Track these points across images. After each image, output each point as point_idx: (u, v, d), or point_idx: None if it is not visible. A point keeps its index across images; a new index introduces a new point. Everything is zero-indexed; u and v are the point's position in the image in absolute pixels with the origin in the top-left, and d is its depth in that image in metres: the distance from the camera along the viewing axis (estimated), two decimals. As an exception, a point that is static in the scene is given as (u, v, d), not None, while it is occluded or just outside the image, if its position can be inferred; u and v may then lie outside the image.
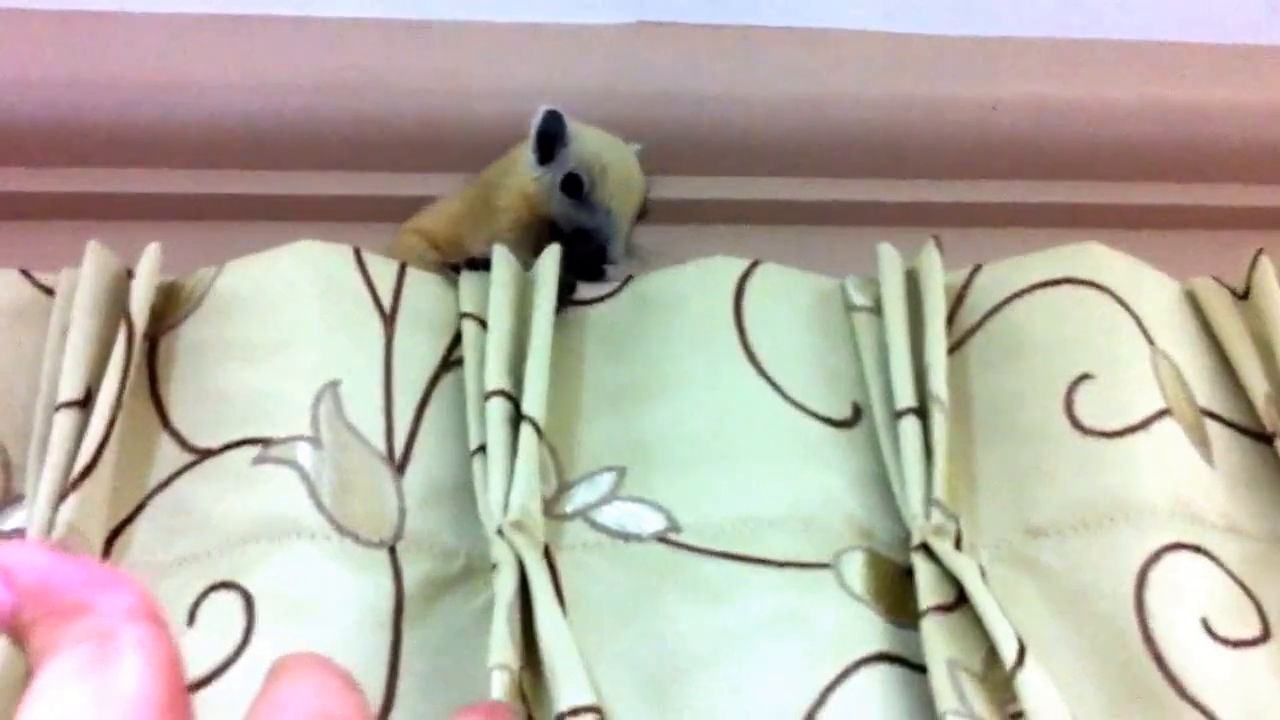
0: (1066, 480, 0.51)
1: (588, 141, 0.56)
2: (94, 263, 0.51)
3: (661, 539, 0.50)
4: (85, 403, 0.48)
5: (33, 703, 0.28)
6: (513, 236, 0.56)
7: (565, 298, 0.55)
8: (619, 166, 0.56)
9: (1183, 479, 0.51)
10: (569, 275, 0.55)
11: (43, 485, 0.46)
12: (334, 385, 0.51)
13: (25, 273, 0.53)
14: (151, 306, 0.51)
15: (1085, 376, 0.52)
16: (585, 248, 0.55)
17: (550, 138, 0.56)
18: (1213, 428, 0.53)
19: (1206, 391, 0.54)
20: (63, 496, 0.46)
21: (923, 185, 0.64)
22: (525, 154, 0.57)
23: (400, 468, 0.50)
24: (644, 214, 0.57)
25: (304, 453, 0.49)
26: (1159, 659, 0.46)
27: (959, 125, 0.63)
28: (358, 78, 0.60)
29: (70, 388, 0.48)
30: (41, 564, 0.30)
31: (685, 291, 0.55)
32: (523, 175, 0.57)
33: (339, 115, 0.60)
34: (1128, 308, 0.54)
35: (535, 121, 0.56)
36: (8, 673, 0.43)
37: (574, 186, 0.55)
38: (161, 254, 0.52)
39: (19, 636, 0.30)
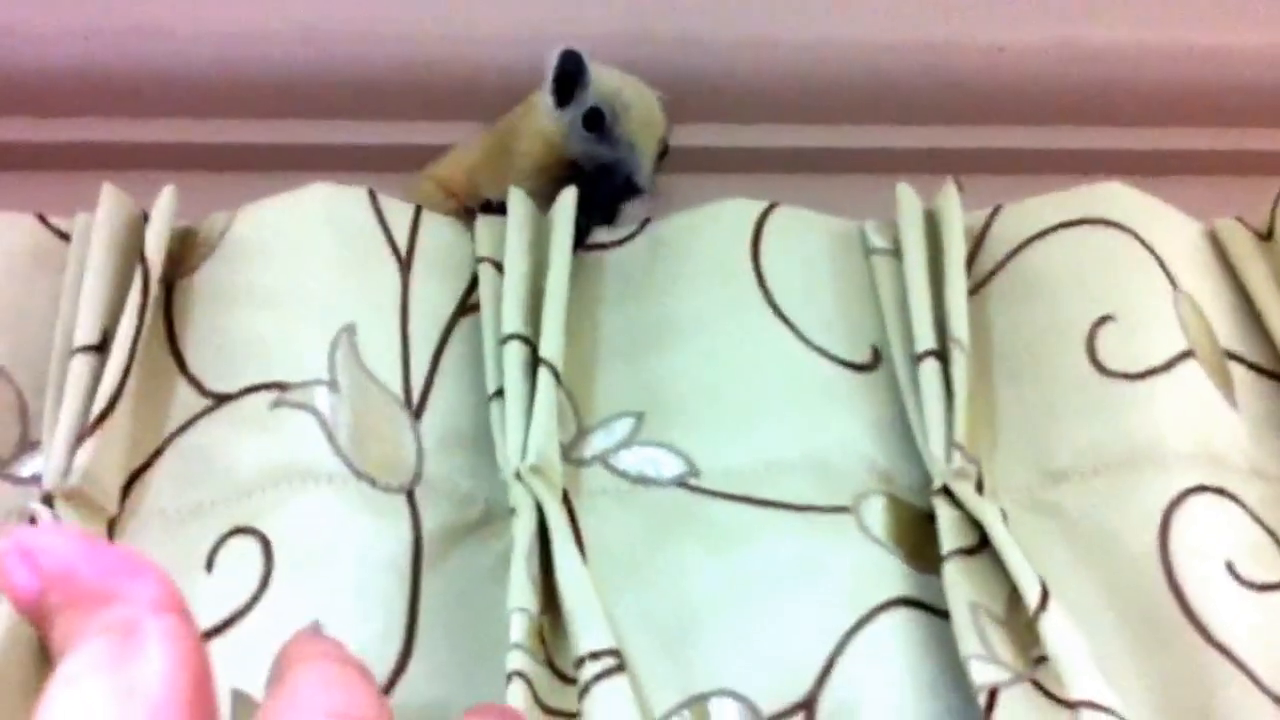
0: (1088, 423, 0.50)
1: (607, 80, 0.55)
2: (109, 206, 0.51)
3: (680, 483, 0.50)
4: (101, 347, 0.48)
5: (55, 693, 0.27)
6: (531, 183, 0.55)
7: (579, 241, 0.54)
8: (640, 103, 0.55)
9: (1205, 421, 0.50)
10: (591, 216, 0.54)
11: (59, 430, 0.46)
12: (350, 329, 0.50)
13: (41, 217, 0.53)
14: (168, 251, 0.51)
15: (1107, 318, 0.52)
16: (611, 182, 0.54)
17: (569, 79, 0.55)
18: (1236, 369, 0.53)
19: (1229, 333, 0.54)
20: (79, 441, 0.46)
21: (943, 131, 0.63)
22: (543, 98, 0.56)
23: (417, 412, 0.50)
24: (663, 155, 0.56)
25: (321, 397, 0.49)
26: (1183, 603, 0.46)
27: (970, 69, 0.62)
28: (373, 24, 0.60)
29: (86, 332, 0.48)
30: (67, 550, 0.30)
31: (702, 234, 0.55)
32: (541, 119, 0.56)
33: (354, 62, 0.60)
34: (1150, 248, 0.53)
35: (552, 63, 0.55)
36: (10, 651, 0.42)
37: (596, 121, 0.54)
38: (176, 198, 0.52)
39: (41, 622, 0.30)
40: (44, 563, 0.29)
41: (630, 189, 0.54)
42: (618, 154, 0.54)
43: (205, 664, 0.29)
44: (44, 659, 0.40)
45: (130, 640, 0.28)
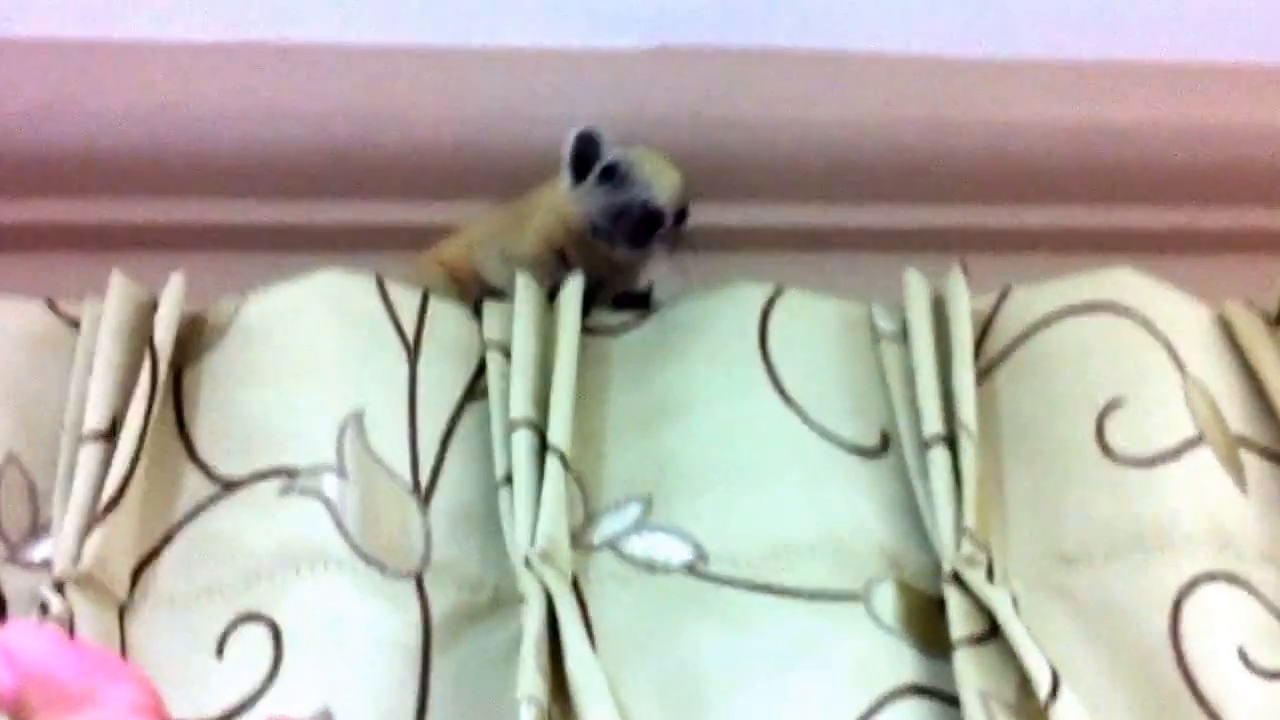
0: (1098, 508, 0.50)
1: (626, 148, 0.56)
2: (118, 293, 0.51)
3: (689, 569, 0.50)
4: (111, 434, 0.48)
5: None
6: (537, 257, 0.55)
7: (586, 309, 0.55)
8: (653, 155, 0.56)
9: (1216, 507, 0.50)
10: (622, 248, 0.55)
11: (69, 518, 0.46)
12: (358, 415, 0.51)
13: (50, 303, 0.53)
14: (176, 337, 0.51)
15: (1116, 403, 0.52)
16: (631, 217, 0.54)
17: (585, 159, 0.56)
18: (1246, 455, 0.53)
19: (1239, 418, 0.54)
20: (89, 529, 0.46)
21: (951, 209, 0.64)
22: (561, 180, 0.56)
23: (426, 498, 0.50)
24: (683, 216, 0.56)
25: (329, 483, 0.49)
26: (1195, 689, 0.46)
27: (979, 148, 0.63)
28: (379, 105, 0.60)
29: (96, 419, 0.48)
30: (46, 650, 0.30)
31: (710, 317, 0.55)
32: (558, 197, 0.56)
33: (360, 143, 0.60)
34: (1158, 333, 0.53)
35: (569, 144, 0.56)
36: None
37: (610, 172, 0.55)
38: (185, 284, 0.52)
39: (18, 716, 0.30)
40: (23, 662, 0.29)
41: (651, 217, 0.54)
42: (634, 191, 0.54)
43: None
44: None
45: None
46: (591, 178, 0.55)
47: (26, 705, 0.29)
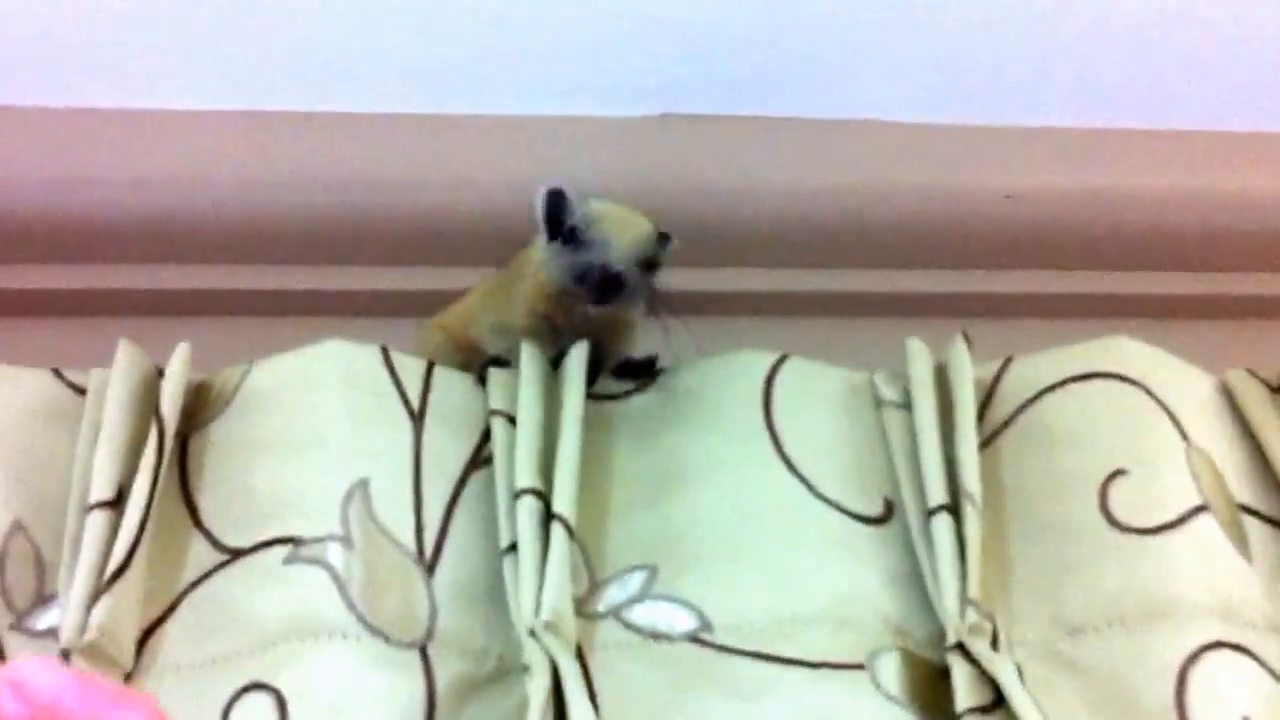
0: (1103, 578, 0.50)
1: (592, 205, 0.55)
2: (124, 362, 0.52)
3: (693, 639, 0.50)
4: (117, 502, 0.48)
5: None
6: (528, 328, 0.55)
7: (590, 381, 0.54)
8: (617, 213, 0.55)
9: (1221, 576, 0.50)
10: (593, 307, 0.54)
11: (75, 587, 0.47)
12: (364, 483, 0.51)
13: (57, 372, 0.54)
14: (182, 406, 0.51)
15: (1120, 472, 0.52)
16: (593, 278, 0.52)
17: (556, 216, 0.55)
18: (1250, 524, 0.53)
19: (1243, 486, 0.54)
20: (95, 598, 0.46)
21: (953, 275, 0.64)
22: (538, 241, 0.56)
23: (430, 567, 0.50)
24: (654, 263, 0.55)
25: (334, 552, 0.49)
26: (1201, 760, 0.46)
27: (980, 215, 0.63)
28: (386, 172, 0.61)
29: (102, 487, 0.48)
30: (56, 682, 0.31)
31: (714, 386, 0.55)
32: (535, 260, 0.56)
33: (367, 210, 0.61)
34: (1161, 402, 0.54)
35: (539, 202, 0.55)
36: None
37: (571, 235, 0.54)
38: (191, 352, 0.52)
39: None
40: (35, 695, 0.30)
41: (610, 279, 0.52)
42: (592, 252, 0.53)
43: None
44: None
45: None
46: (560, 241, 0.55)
47: None
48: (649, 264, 0.54)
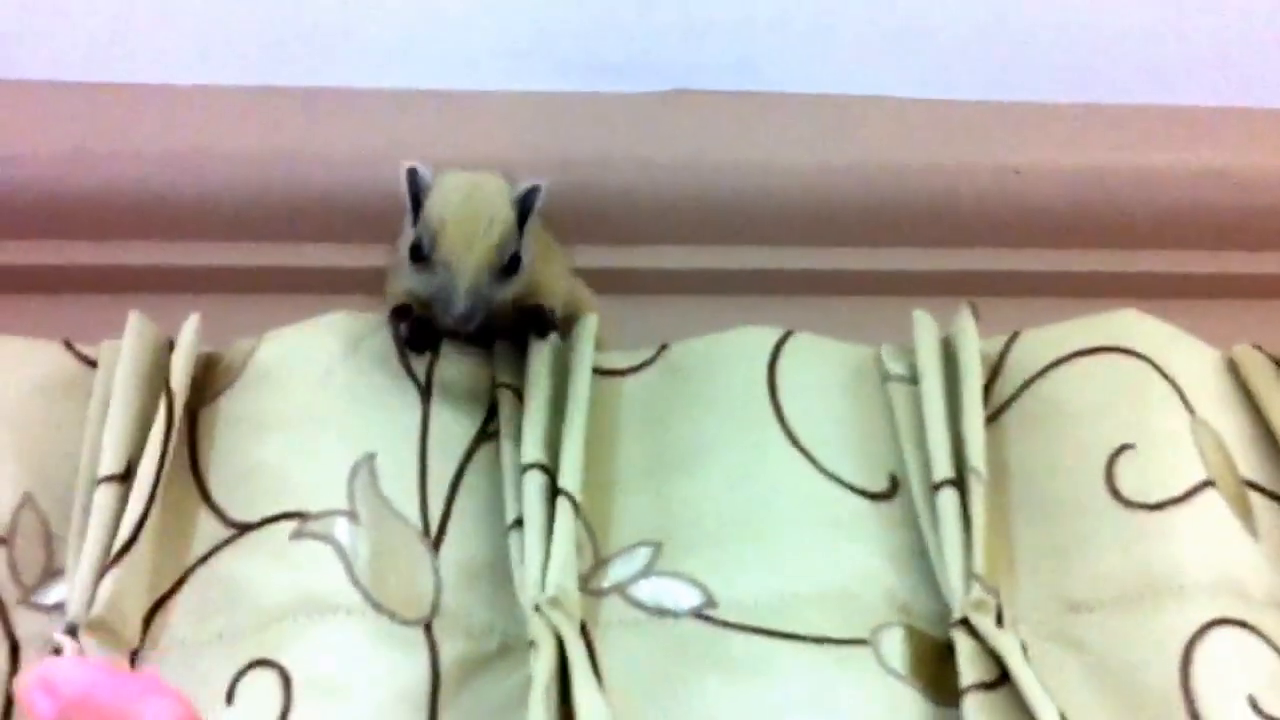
0: (1108, 554, 0.50)
1: (439, 193, 0.52)
2: (135, 334, 0.52)
3: (698, 615, 0.50)
4: (126, 476, 0.48)
5: None
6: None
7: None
8: (462, 213, 0.51)
9: (1226, 552, 0.50)
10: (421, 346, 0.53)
11: (83, 561, 0.47)
12: (370, 458, 0.51)
13: (67, 344, 0.54)
14: (192, 378, 0.51)
15: (1125, 447, 0.52)
16: (441, 308, 0.50)
17: (417, 196, 0.52)
18: (1256, 499, 0.53)
19: (1248, 462, 0.54)
20: (102, 573, 0.46)
21: (958, 254, 0.64)
22: (404, 226, 0.53)
23: (436, 543, 0.50)
24: (513, 268, 0.51)
25: (341, 528, 0.49)
26: (1206, 737, 0.46)
27: (988, 192, 0.63)
28: (396, 149, 0.60)
29: (111, 462, 0.48)
30: (84, 677, 0.31)
31: (718, 362, 0.55)
32: (394, 257, 0.54)
33: (374, 187, 0.61)
34: (1167, 376, 0.53)
35: (401, 181, 0.52)
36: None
37: (416, 253, 0.51)
38: (201, 325, 0.52)
39: None
40: (65, 691, 0.31)
41: (456, 320, 0.50)
42: (437, 282, 0.50)
43: None
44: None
45: None
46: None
47: None
48: (508, 264, 0.51)
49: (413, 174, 0.52)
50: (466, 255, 0.50)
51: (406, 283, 0.53)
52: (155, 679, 0.33)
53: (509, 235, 0.51)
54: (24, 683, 0.31)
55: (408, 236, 0.52)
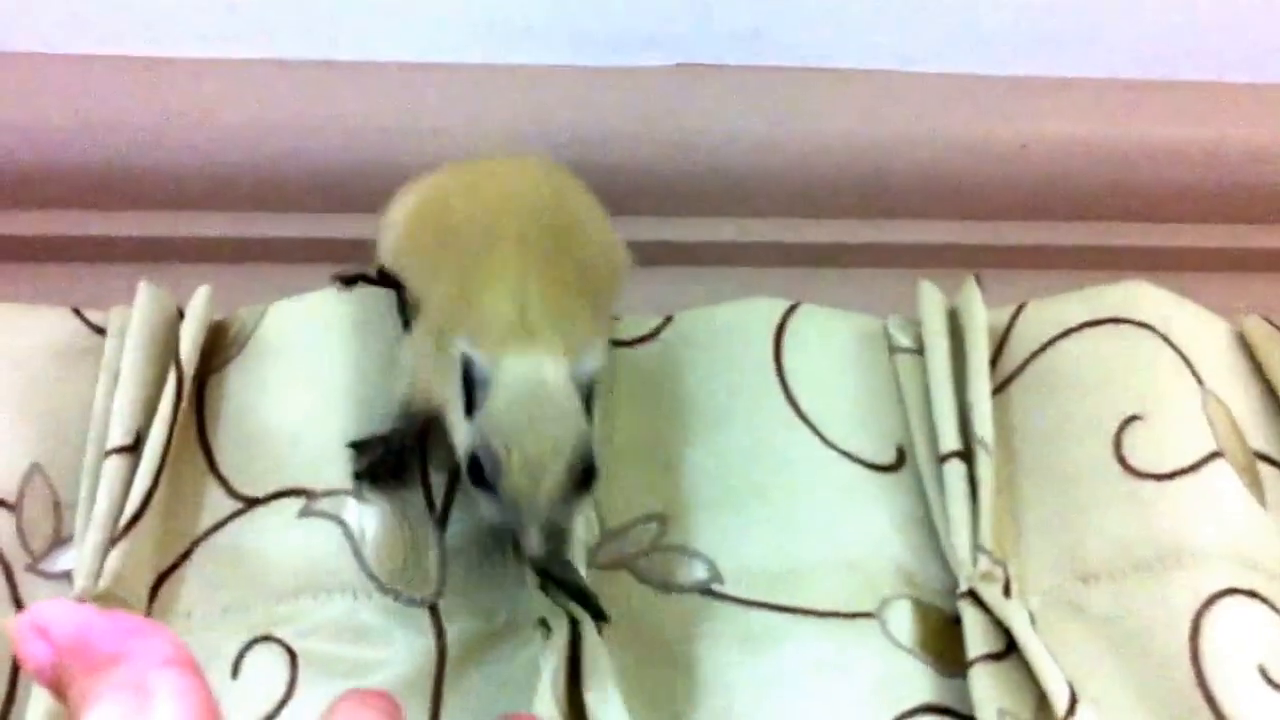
0: (1116, 524, 0.50)
1: (499, 405, 0.43)
2: (146, 303, 0.52)
3: (704, 590, 0.50)
4: (135, 447, 0.48)
5: None
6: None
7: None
8: (528, 439, 0.42)
9: (1236, 522, 0.50)
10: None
11: (90, 533, 0.47)
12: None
13: (77, 311, 0.53)
14: (201, 348, 0.51)
15: (1134, 418, 0.52)
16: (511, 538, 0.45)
17: (472, 386, 0.44)
18: (1265, 470, 0.52)
19: (1258, 433, 0.53)
20: (110, 544, 0.46)
21: (965, 226, 0.63)
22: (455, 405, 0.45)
23: (441, 521, 0.50)
24: (587, 480, 0.43)
25: (347, 507, 0.49)
26: (1215, 707, 0.46)
27: (996, 165, 0.62)
28: (406, 121, 0.61)
29: (120, 433, 0.48)
30: (76, 618, 0.31)
31: (724, 333, 0.55)
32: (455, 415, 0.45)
33: (389, 158, 0.61)
34: (1176, 347, 0.53)
35: (456, 369, 0.44)
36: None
37: (478, 474, 0.43)
38: (211, 296, 0.52)
39: (60, 690, 0.31)
40: (56, 633, 0.31)
41: (530, 555, 0.43)
42: (504, 514, 0.43)
43: (216, 715, 0.29)
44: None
45: (140, 697, 0.29)
46: (470, 439, 0.43)
47: (63, 675, 0.30)
48: (583, 479, 0.43)
49: (468, 364, 0.43)
50: (536, 492, 0.42)
51: (474, 492, 0.44)
52: (146, 621, 0.33)
53: (582, 450, 0.43)
54: (16, 627, 0.31)
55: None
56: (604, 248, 0.51)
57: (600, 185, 0.61)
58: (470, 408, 0.43)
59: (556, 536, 0.43)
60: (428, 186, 0.53)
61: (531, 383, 0.43)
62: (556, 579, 0.47)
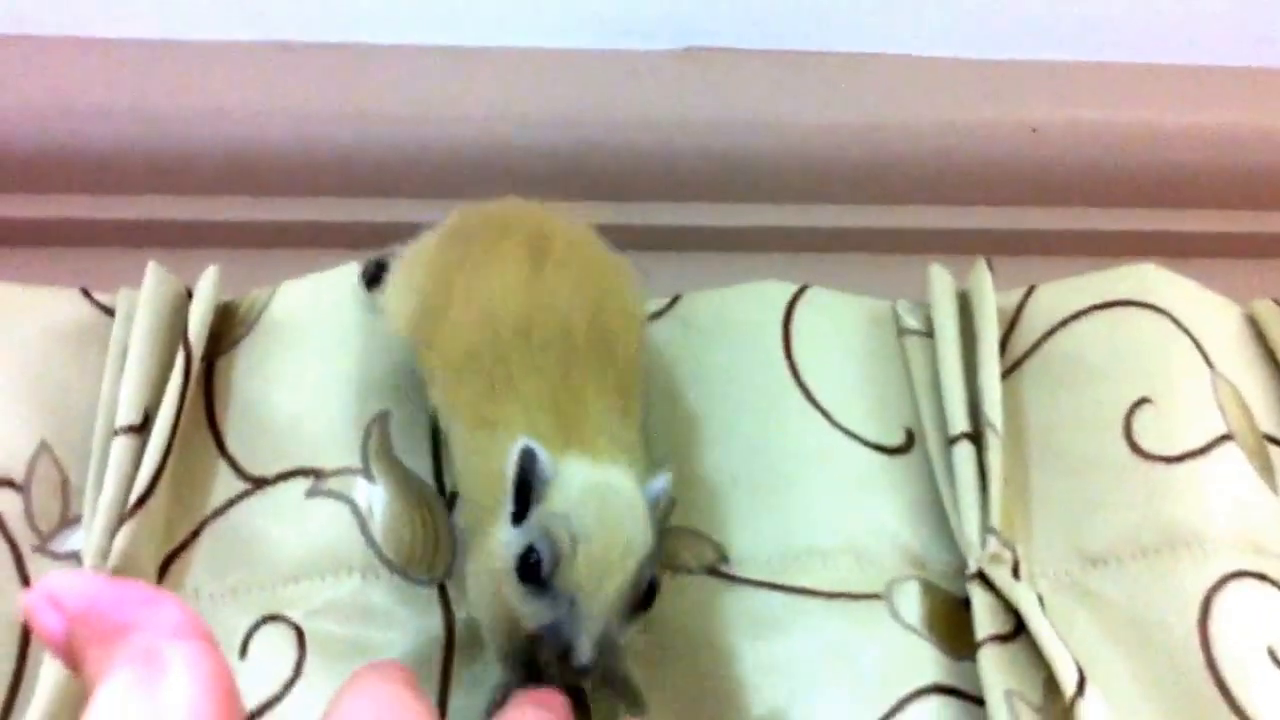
0: (1126, 507, 0.50)
1: (567, 499, 0.40)
2: (153, 284, 0.51)
3: (710, 571, 0.50)
4: (143, 427, 0.48)
5: None
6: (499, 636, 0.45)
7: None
8: (599, 536, 0.39)
9: (1246, 505, 0.50)
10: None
11: (99, 513, 0.47)
12: (383, 417, 0.51)
13: (85, 292, 0.53)
14: (209, 329, 0.51)
15: (1144, 400, 0.51)
16: (551, 647, 0.39)
17: (526, 485, 0.41)
18: (1275, 453, 0.52)
19: (1269, 417, 0.53)
20: (118, 525, 0.46)
21: (973, 211, 0.63)
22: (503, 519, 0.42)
23: (450, 503, 0.50)
24: (649, 599, 0.41)
25: (356, 487, 0.49)
26: (1224, 690, 0.46)
27: (1005, 150, 0.62)
28: (410, 105, 0.61)
29: (128, 413, 0.48)
30: (88, 589, 0.31)
31: (732, 315, 0.55)
32: (497, 536, 0.42)
33: (392, 142, 0.60)
34: (1186, 330, 0.53)
35: (511, 464, 0.41)
36: (65, 696, 0.43)
37: (530, 568, 0.39)
38: (219, 277, 0.52)
39: (73, 661, 0.31)
40: (68, 604, 0.31)
41: (571, 664, 0.39)
42: (556, 613, 0.39)
43: (231, 685, 0.30)
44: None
45: (154, 665, 0.29)
46: (521, 540, 0.40)
47: (76, 646, 0.30)
48: (644, 597, 0.40)
49: (529, 456, 0.40)
50: (597, 593, 0.38)
51: (516, 597, 0.40)
52: (157, 589, 0.33)
53: (647, 561, 0.40)
54: (29, 599, 0.31)
55: (502, 536, 0.42)
56: (639, 325, 0.50)
57: (606, 168, 0.62)
58: (522, 508, 0.41)
59: (608, 652, 0.39)
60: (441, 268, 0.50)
61: (602, 484, 0.41)
62: (606, 672, 0.44)
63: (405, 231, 0.57)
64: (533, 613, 0.40)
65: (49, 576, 0.32)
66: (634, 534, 0.40)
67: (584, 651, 0.38)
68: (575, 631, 0.38)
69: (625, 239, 0.60)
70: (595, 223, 0.56)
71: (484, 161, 0.62)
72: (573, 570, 0.39)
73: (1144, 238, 0.63)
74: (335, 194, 0.62)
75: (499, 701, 0.43)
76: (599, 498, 0.40)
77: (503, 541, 0.41)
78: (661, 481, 0.42)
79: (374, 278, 0.54)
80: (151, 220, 0.61)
